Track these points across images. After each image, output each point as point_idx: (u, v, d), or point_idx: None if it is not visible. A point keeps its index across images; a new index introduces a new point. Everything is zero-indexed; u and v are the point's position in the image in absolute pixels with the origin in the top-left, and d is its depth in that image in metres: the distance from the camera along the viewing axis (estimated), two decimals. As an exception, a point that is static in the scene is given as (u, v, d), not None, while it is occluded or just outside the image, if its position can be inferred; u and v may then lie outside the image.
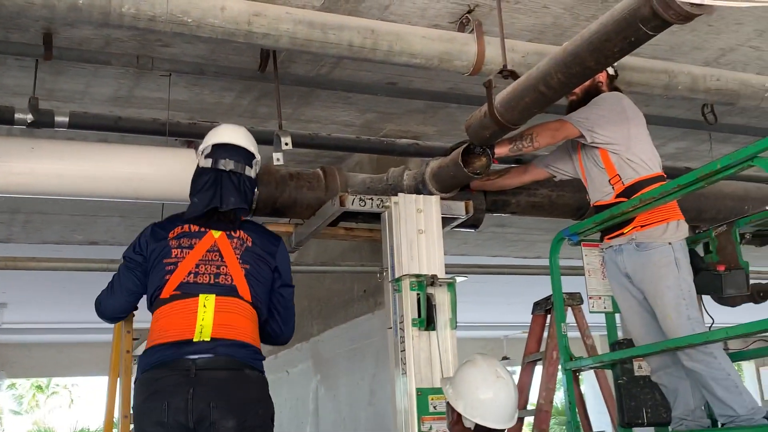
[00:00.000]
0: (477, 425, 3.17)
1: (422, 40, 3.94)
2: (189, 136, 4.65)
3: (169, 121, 4.56)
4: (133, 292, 3.45)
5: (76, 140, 4.45)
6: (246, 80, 4.72)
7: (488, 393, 3.19)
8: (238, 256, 3.33)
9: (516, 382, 3.36)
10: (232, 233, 3.38)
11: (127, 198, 4.27)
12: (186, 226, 3.39)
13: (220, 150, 3.48)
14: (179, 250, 3.31)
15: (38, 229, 7.67)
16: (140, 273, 3.40)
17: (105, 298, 3.50)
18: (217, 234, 3.36)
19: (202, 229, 3.37)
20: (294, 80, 4.75)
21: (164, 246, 3.33)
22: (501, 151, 4.01)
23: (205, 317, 3.14)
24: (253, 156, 3.58)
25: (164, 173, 4.21)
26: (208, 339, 3.10)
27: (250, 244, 3.38)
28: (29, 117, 4.23)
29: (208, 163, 3.48)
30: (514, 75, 3.58)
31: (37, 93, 4.32)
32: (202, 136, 4.65)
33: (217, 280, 3.25)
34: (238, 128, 3.66)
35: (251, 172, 3.54)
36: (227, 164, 3.45)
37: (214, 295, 3.20)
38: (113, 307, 3.50)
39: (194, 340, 3.09)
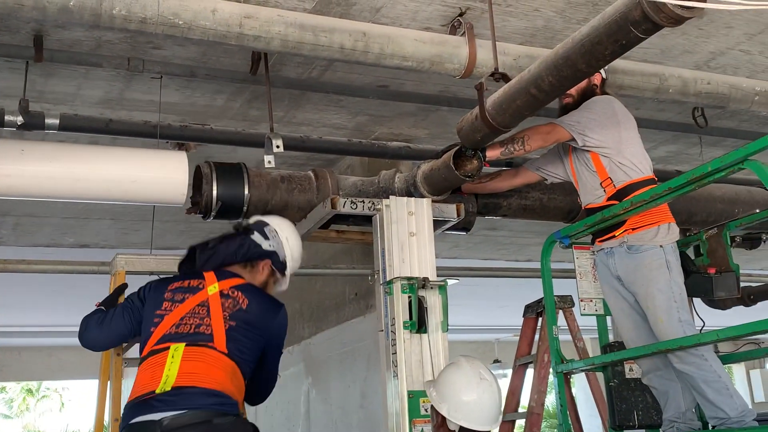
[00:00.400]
0: (461, 428, 3.17)
1: (414, 43, 3.94)
2: (180, 138, 4.63)
3: (160, 124, 4.55)
4: (121, 334, 3.39)
5: (67, 142, 4.43)
6: (237, 83, 4.71)
7: (472, 395, 3.19)
8: (227, 314, 3.20)
9: (500, 384, 3.33)
10: (229, 293, 3.27)
11: (118, 200, 4.26)
12: (186, 282, 3.33)
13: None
14: (170, 303, 3.24)
15: (29, 232, 7.64)
16: (134, 318, 3.34)
17: (93, 327, 3.42)
18: (212, 291, 3.27)
19: (200, 285, 3.29)
20: (285, 83, 4.74)
21: (159, 298, 3.27)
22: (492, 154, 4.01)
23: (171, 367, 3.02)
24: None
25: (155, 175, 4.20)
26: (170, 389, 2.95)
27: (244, 307, 3.25)
28: (19, 119, 4.21)
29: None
30: (505, 78, 3.58)
31: (27, 95, 4.30)
32: (193, 138, 4.69)
33: (197, 330, 3.13)
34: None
35: (264, 244, 3.48)
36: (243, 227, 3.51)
37: (183, 344, 3.08)
38: (97, 339, 3.43)
39: (157, 391, 2.95)
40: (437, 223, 4.31)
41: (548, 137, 3.96)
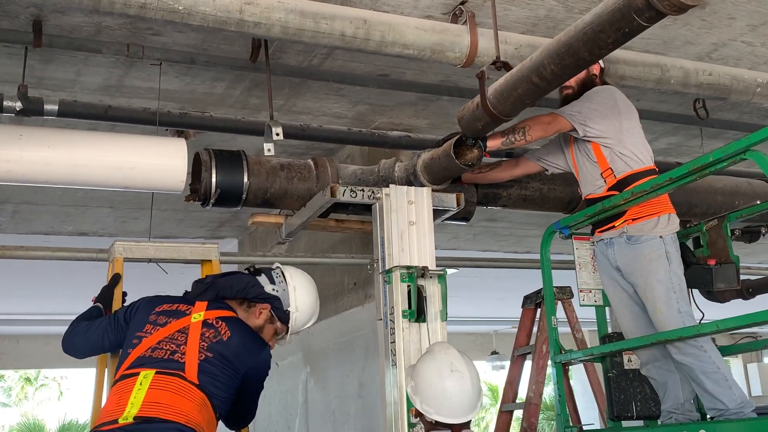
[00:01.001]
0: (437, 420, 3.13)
1: (415, 31, 3.92)
2: (179, 126, 4.62)
3: (159, 111, 4.53)
4: (99, 346, 3.36)
5: (66, 129, 4.42)
6: (237, 70, 4.69)
7: (441, 388, 3.12)
8: (205, 345, 3.10)
9: (476, 374, 3.25)
10: (213, 323, 3.17)
11: (116, 187, 4.24)
12: (175, 305, 3.26)
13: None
14: (152, 326, 3.17)
15: (27, 220, 7.63)
16: (116, 337, 3.30)
17: (80, 332, 3.39)
18: (195, 319, 3.18)
19: (187, 311, 3.22)
20: (285, 71, 4.72)
21: (144, 319, 3.21)
22: (493, 144, 3.99)
23: (137, 395, 2.93)
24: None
25: (154, 162, 4.19)
26: (131, 420, 2.85)
27: (224, 339, 3.14)
28: (18, 105, 4.19)
29: None
30: (507, 66, 3.57)
31: (26, 81, 4.27)
32: (193, 126, 4.67)
33: (171, 357, 3.04)
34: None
35: (268, 287, 3.43)
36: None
37: (153, 371, 3.00)
38: (78, 345, 3.39)
39: (119, 421, 2.85)
40: (437, 213, 4.30)
41: (549, 127, 3.94)
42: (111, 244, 3.99)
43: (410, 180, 4.31)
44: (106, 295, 3.71)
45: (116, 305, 3.73)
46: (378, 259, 4.02)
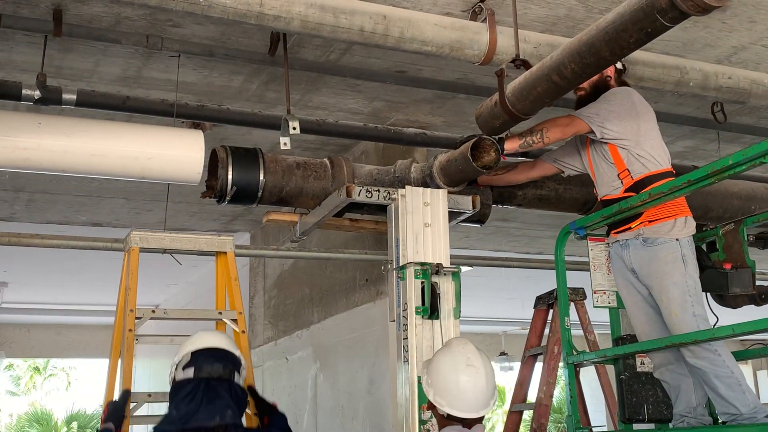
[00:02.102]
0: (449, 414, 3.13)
1: (434, 28, 3.91)
2: (197, 118, 4.63)
3: (177, 103, 4.54)
4: None
5: (84, 118, 4.43)
6: (255, 64, 4.69)
7: (455, 381, 3.13)
8: None
9: (491, 371, 3.24)
10: None
11: (133, 177, 4.25)
12: None
13: (202, 356, 3.13)
14: None
15: (42, 209, 7.66)
16: None
17: None
18: None
19: None
20: (303, 65, 4.72)
21: None
22: (511, 146, 3.98)
23: None
24: (239, 362, 3.25)
25: (171, 153, 4.19)
26: None
27: None
28: (36, 93, 4.21)
29: (189, 373, 3.09)
30: (526, 65, 3.56)
31: (45, 70, 4.29)
32: (210, 118, 4.68)
33: None
34: (219, 333, 3.39)
35: (241, 380, 3.20)
36: (214, 370, 3.08)
37: None
38: None
39: None
40: (452, 215, 4.29)
41: (567, 129, 3.93)
42: (127, 234, 4.00)
43: (426, 181, 4.30)
44: (117, 415, 3.53)
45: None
46: (392, 260, 4.02)
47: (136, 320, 3.87)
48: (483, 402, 3.15)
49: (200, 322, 4.39)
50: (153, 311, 4.05)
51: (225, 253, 4.16)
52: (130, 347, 3.83)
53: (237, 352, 3.28)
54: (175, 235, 4.10)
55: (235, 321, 4.13)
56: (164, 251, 4.08)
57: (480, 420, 3.16)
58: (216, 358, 3.16)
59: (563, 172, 4.36)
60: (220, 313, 4.19)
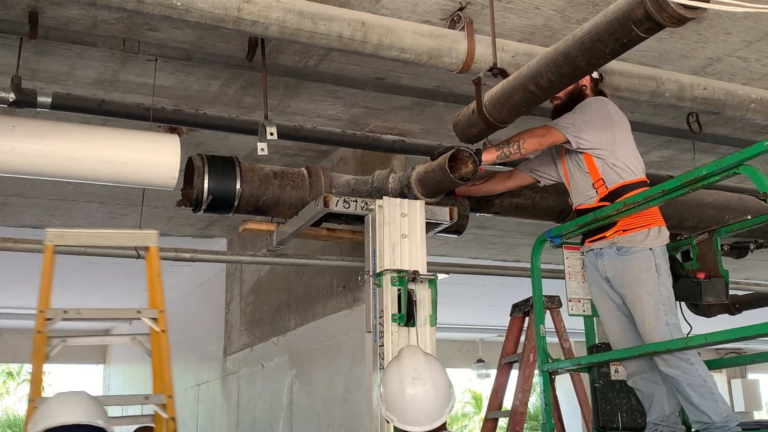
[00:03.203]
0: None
1: (413, 35, 3.92)
2: (173, 122, 4.60)
3: (153, 107, 4.51)
4: None
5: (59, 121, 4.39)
6: (233, 68, 4.68)
7: (401, 395, 3.04)
8: None
9: (442, 380, 3.12)
10: None
11: (108, 181, 4.22)
12: None
13: None
14: None
15: (16, 213, 7.59)
16: None
17: None
18: None
19: None
20: (281, 71, 4.71)
21: None
22: (488, 157, 3.99)
23: None
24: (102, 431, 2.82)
25: (147, 158, 4.16)
26: None
27: None
28: (11, 96, 4.17)
29: None
30: (503, 73, 3.57)
31: (20, 72, 4.25)
32: (186, 123, 4.65)
33: None
34: (77, 397, 2.85)
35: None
36: None
37: None
38: None
39: None
40: (429, 225, 4.30)
41: (544, 140, 3.95)
42: (44, 231, 3.91)
43: (404, 192, 4.30)
44: None
45: None
46: (369, 271, 4.01)
47: (47, 321, 3.77)
48: (434, 414, 3.03)
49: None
50: (65, 312, 3.88)
51: (149, 248, 4.07)
52: (39, 349, 3.72)
53: (102, 419, 2.84)
54: (93, 231, 3.96)
55: (155, 320, 3.92)
56: (84, 250, 3.89)
57: (443, 427, 3.10)
58: None
59: (539, 182, 4.38)
60: (139, 311, 3.99)
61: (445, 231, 4.58)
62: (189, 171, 4.30)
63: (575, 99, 4.01)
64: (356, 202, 4.10)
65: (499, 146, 3.97)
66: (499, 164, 4.86)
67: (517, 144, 3.94)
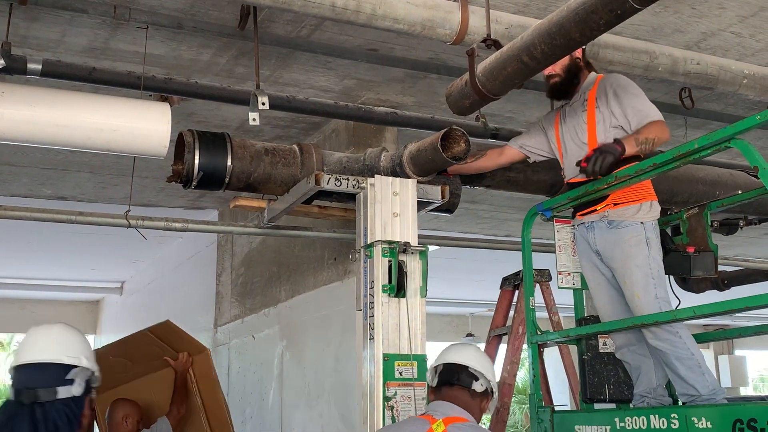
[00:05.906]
0: None
1: (406, 5, 3.88)
2: (164, 91, 4.57)
3: (144, 75, 4.48)
4: None
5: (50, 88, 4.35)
6: (225, 37, 4.64)
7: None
8: None
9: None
10: None
11: (98, 149, 4.19)
12: None
13: (16, 375, 2.44)
14: None
15: (5, 181, 7.54)
16: None
17: None
18: None
19: None
20: (273, 40, 4.67)
21: None
22: (630, 150, 3.74)
23: None
24: (69, 367, 2.41)
25: (137, 126, 4.13)
26: None
27: None
28: (1, 62, 4.11)
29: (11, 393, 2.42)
30: (497, 45, 3.56)
31: (10, 39, 4.20)
32: (178, 92, 4.62)
33: None
34: (48, 330, 2.51)
35: (69, 391, 2.39)
36: (28, 395, 2.35)
37: None
38: None
39: None
40: (421, 204, 4.30)
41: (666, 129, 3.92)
42: None
43: (396, 170, 4.30)
44: None
45: None
46: (361, 248, 4.01)
47: None
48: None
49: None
50: None
51: None
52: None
53: (68, 355, 2.44)
54: None
55: None
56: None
57: None
58: (34, 374, 2.42)
59: (529, 158, 4.38)
60: None
61: (437, 209, 4.59)
62: (180, 147, 4.28)
63: (574, 74, 4.00)
64: (348, 180, 4.10)
65: (637, 140, 3.78)
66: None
67: (653, 142, 3.81)
